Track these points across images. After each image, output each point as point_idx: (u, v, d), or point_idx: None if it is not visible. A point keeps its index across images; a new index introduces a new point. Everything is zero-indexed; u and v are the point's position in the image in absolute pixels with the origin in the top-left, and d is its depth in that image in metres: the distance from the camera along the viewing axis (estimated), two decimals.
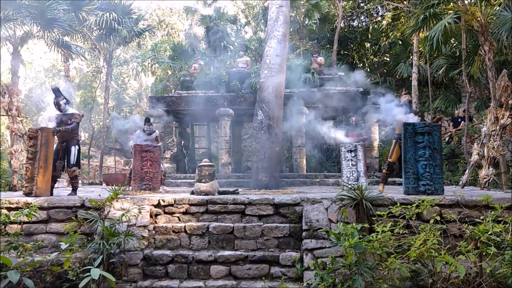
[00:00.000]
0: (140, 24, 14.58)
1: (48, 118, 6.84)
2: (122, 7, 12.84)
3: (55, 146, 6.67)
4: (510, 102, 7.11)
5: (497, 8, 13.77)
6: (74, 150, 6.66)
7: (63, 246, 4.41)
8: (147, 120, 8.64)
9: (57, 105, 6.63)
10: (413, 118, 7.05)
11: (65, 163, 6.73)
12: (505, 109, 7.12)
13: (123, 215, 5.18)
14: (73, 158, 6.65)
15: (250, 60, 13.44)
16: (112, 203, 5.57)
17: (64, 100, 6.70)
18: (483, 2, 8.87)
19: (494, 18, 9.64)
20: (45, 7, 9.79)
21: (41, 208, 5.56)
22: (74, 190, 6.77)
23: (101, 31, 12.23)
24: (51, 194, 6.46)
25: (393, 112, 7.14)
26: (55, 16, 10.05)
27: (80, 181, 7.24)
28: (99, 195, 6.00)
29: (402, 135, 6.19)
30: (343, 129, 10.32)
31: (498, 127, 7.13)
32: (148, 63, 19.71)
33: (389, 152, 7.33)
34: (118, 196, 5.71)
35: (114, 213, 5.43)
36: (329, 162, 14.36)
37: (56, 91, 6.68)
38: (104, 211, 5.46)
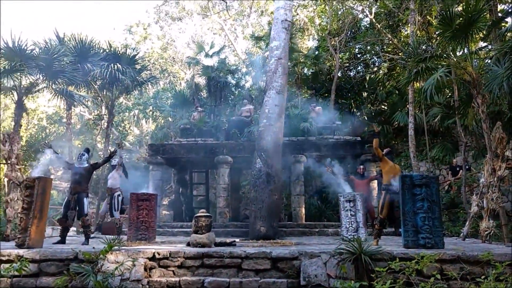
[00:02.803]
0: (143, 74, 15.02)
1: (65, 162, 8.00)
2: (126, 58, 13.29)
3: (66, 198, 7.53)
4: (506, 153, 7.17)
5: (488, 61, 14.27)
6: (86, 201, 7.37)
7: None
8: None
9: (80, 158, 7.71)
10: None
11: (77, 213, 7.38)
12: (501, 160, 7.16)
13: (116, 268, 5.06)
14: (86, 209, 7.35)
15: (253, 109, 13.71)
16: (106, 256, 5.44)
17: (87, 156, 7.81)
18: (474, 55, 9.22)
19: (486, 71, 9.95)
20: (52, 59, 10.12)
21: (33, 261, 5.43)
22: (87, 238, 7.27)
23: (104, 81, 12.58)
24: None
25: None
26: (61, 68, 10.37)
27: (90, 230, 7.67)
28: (93, 247, 5.88)
29: (400, 187, 6.18)
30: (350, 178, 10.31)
31: (495, 179, 7.13)
32: (150, 110, 20.11)
33: (380, 205, 7.20)
34: (113, 248, 5.60)
35: (108, 266, 5.30)
36: (328, 210, 14.20)
37: (87, 150, 8.05)
38: (97, 264, 5.32)
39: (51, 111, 22.58)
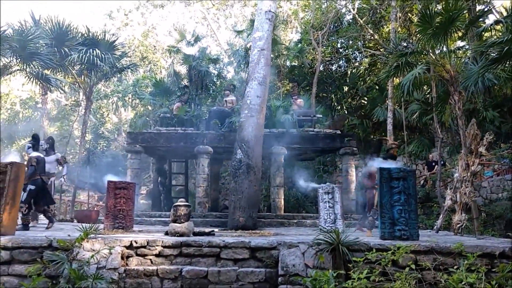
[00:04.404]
0: (123, 60, 14.68)
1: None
2: (106, 44, 12.93)
3: None
4: (479, 150, 7.38)
5: (467, 60, 14.61)
6: (27, 189, 7.19)
7: None
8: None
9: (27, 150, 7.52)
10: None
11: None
12: (475, 156, 7.37)
13: (92, 256, 4.97)
14: (21, 197, 7.01)
15: (235, 100, 13.63)
16: (82, 244, 5.33)
17: (28, 145, 7.51)
18: (452, 53, 9.42)
19: (463, 69, 10.20)
20: (27, 41, 9.77)
21: (5, 248, 5.27)
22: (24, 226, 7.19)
23: (82, 66, 12.22)
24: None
25: None
26: (36, 50, 10.03)
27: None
28: (69, 235, 5.75)
29: (378, 180, 6.28)
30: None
31: (469, 174, 7.34)
32: (129, 98, 19.72)
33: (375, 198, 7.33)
34: (89, 236, 5.49)
35: (84, 255, 5.19)
36: (307, 201, 14.36)
37: (33, 137, 7.63)
38: (72, 252, 5.21)
39: (26, 95, 21.85)
